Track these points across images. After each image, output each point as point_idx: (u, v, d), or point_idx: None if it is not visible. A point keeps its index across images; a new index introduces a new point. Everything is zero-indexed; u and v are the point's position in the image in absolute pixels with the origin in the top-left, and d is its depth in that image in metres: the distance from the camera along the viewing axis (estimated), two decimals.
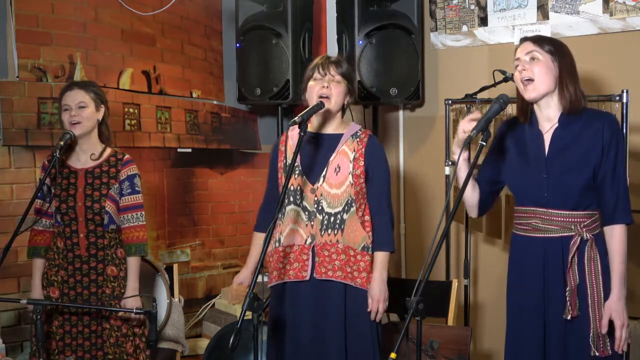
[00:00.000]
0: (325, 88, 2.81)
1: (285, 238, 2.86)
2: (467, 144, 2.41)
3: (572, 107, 2.47)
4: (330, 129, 2.90)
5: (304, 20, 4.02)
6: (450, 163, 3.79)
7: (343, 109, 2.93)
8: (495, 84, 3.43)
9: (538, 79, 2.46)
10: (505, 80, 3.37)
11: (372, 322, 2.83)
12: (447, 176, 3.84)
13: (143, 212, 3.14)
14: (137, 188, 3.13)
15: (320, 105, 2.79)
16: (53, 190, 3.04)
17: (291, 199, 2.86)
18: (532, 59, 2.47)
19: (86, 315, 3.04)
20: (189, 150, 4.28)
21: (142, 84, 4.08)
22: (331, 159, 2.84)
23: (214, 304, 4.32)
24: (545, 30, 3.55)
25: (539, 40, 2.50)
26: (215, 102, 4.42)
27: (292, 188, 2.86)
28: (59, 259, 3.04)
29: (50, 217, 3.09)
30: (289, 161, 2.87)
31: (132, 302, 3.03)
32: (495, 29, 3.80)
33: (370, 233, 2.85)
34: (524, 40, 2.53)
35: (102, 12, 3.88)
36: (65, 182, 3.05)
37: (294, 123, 2.66)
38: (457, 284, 3.27)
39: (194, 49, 4.32)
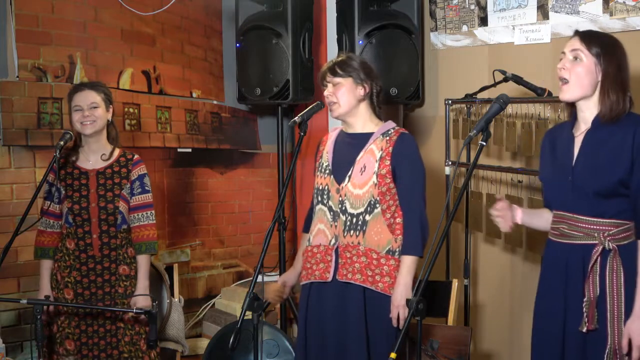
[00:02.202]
0: (328, 97, 2.80)
1: (313, 238, 2.87)
2: (467, 143, 2.40)
3: (613, 114, 2.34)
4: (359, 127, 2.85)
5: (304, 20, 4.02)
6: (450, 163, 3.80)
7: (372, 103, 2.85)
8: (495, 84, 3.42)
9: (573, 81, 2.37)
10: (505, 80, 3.37)
11: (395, 327, 2.72)
12: (447, 176, 3.84)
13: (153, 211, 3.18)
14: (147, 187, 3.16)
15: (319, 105, 2.79)
16: (63, 192, 3.05)
17: (319, 198, 2.85)
18: (575, 58, 2.37)
19: (101, 315, 3.06)
20: (189, 150, 4.28)
21: (142, 84, 4.08)
22: (358, 158, 2.80)
23: (214, 304, 4.32)
24: (545, 30, 3.55)
25: (588, 39, 2.37)
26: (215, 102, 4.42)
27: (321, 187, 2.86)
28: (71, 260, 3.05)
29: (57, 217, 3.09)
30: (323, 162, 2.88)
31: (142, 300, 3.06)
32: (495, 29, 3.80)
33: (400, 236, 2.76)
34: (575, 34, 2.41)
35: (102, 12, 3.88)
36: (77, 183, 3.07)
37: (294, 123, 2.66)
38: (457, 284, 3.26)
39: (194, 49, 4.32)
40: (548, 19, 3.55)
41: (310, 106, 2.82)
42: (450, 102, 3.75)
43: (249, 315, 2.39)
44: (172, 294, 3.60)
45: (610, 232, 2.34)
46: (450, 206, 3.52)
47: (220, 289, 4.38)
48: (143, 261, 3.12)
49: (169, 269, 3.68)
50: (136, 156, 3.17)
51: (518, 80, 3.32)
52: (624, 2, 3.25)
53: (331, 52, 4.37)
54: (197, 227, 4.32)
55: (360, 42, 3.90)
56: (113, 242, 3.08)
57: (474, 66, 3.92)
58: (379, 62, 3.90)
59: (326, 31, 4.50)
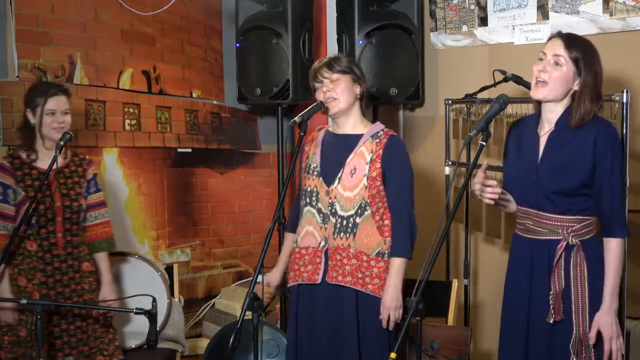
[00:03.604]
0: (327, 92, 2.79)
1: (301, 240, 2.86)
2: (467, 143, 2.41)
3: (583, 122, 2.42)
4: (349, 128, 2.85)
5: (304, 20, 4.02)
6: (450, 163, 3.80)
7: (361, 103, 2.86)
8: (495, 84, 3.42)
9: (552, 86, 2.42)
10: (505, 80, 3.36)
11: (384, 330, 2.76)
12: (447, 176, 3.84)
13: (107, 209, 3.27)
14: (99, 187, 3.25)
15: (320, 105, 2.78)
16: (23, 193, 3.01)
17: (308, 200, 2.84)
18: (556, 63, 2.42)
19: (70, 312, 3.07)
20: (189, 150, 4.28)
21: (142, 84, 4.08)
22: (348, 160, 2.79)
23: (214, 304, 4.32)
24: (545, 30, 3.55)
25: (570, 44, 2.41)
26: (215, 102, 4.42)
27: (309, 189, 2.84)
28: (34, 261, 3.03)
29: (12, 220, 3.02)
30: (310, 163, 2.87)
31: (110, 293, 3.17)
32: (495, 29, 3.80)
33: (389, 238, 2.78)
34: (559, 36, 2.45)
35: (102, 12, 3.88)
36: (38, 183, 3.03)
37: (294, 123, 2.65)
38: (457, 284, 3.27)
39: (194, 49, 4.32)
40: (548, 19, 3.55)
41: (311, 106, 2.82)
42: (450, 102, 3.75)
43: (249, 315, 2.39)
44: (172, 294, 3.60)
45: (574, 228, 2.44)
46: (450, 206, 3.52)
47: (220, 289, 4.38)
48: (105, 257, 3.22)
49: (169, 269, 3.68)
50: (87, 156, 3.25)
51: (518, 80, 3.32)
52: (624, 2, 3.25)
53: (331, 52, 4.37)
54: (197, 227, 4.32)
55: (360, 42, 3.90)
56: (76, 240, 3.11)
57: (474, 66, 3.92)
58: (379, 62, 3.91)
59: (326, 31, 4.50)
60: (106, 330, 3.17)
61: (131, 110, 4.02)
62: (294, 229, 2.97)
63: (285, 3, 3.91)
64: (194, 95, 4.32)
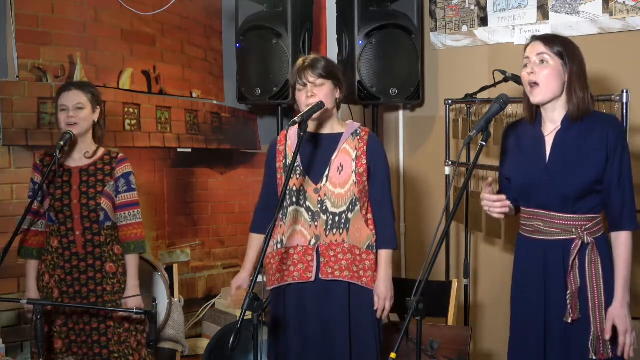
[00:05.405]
0: (311, 97, 2.80)
1: (288, 239, 2.85)
2: (467, 144, 2.41)
3: (580, 112, 2.44)
4: (328, 128, 2.89)
5: (304, 20, 4.02)
6: (450, 163, 3.80)
7: (337, 105, 2.91)
8: (495, 84, 3.42)
9: (544, 84, 2.44)
10: (505, 80, 3.36)
11: (375, 321, 2.83)
12: (447, 176, 3.84)
13: (140, 210, 3.16)
14: (132, 186, 3.14)
15: (320, 105, 2.78)
16: (46, 189, 3.03)
17: (293, 199, 2.84)
18: (542, 61, 2.44)
19: (87, 314, 3.04)
20: (189, 150, 4.28)
21: (142, 84, 4.08)
22: (333, 158, 2.83)
23: (214, 304, 4.32)
24: (545, 30, 3.55)
25: (549, 42, 2.45)
26: (215, 102, 4.42)
27: (293, 189, 2.84)
28: (55, 258, 3.04)
29: (40, 216, 3.08)
30: (289, 161, 2.85)
31: (133, 301, 3.06)
32: (495, 29, 3.80)
33: (374, 231, 2.84)
34: (535, 39, 2.49)
35: (102, 12, 3.88)
36: (59, 180, 3.05)
37: (294, 123, 2.65)
38: (457, 284, 3.27)
39: (194, 49, 4.32)
40: (548, 19, 3.55)
41: (311, 106, 2.82)
42: (450, 102, 3.75)
43: (249, 315, 2.39)
44: (172, 294, 3.61)
45: (586, 227, 2.45)
46: (450, 206, 3.52)
47: (220, 289, 4.38)
48: (132, 260, 3.12)
49: (169, 269, 3.68)
50: (121, 154, 3.16)
51: (518, 80, 3.32)
52: (624, 2, 3.26)
53: (331, 52, 4.38)
54: (197, 227, 4.32)
55: (360, 42, 3.90)
56: (97, 240, 3.05)
57: (474, 66, 3.92)
58: (379, 62, 3.91)
59: (326, 31, 4.50)
60: (131, 333, 3.10)
61: (131, 110, 4.02)
62: (259, 229, 2.95)
63: (285, 3, 3.92)
64: (194, 95, 4.32)
